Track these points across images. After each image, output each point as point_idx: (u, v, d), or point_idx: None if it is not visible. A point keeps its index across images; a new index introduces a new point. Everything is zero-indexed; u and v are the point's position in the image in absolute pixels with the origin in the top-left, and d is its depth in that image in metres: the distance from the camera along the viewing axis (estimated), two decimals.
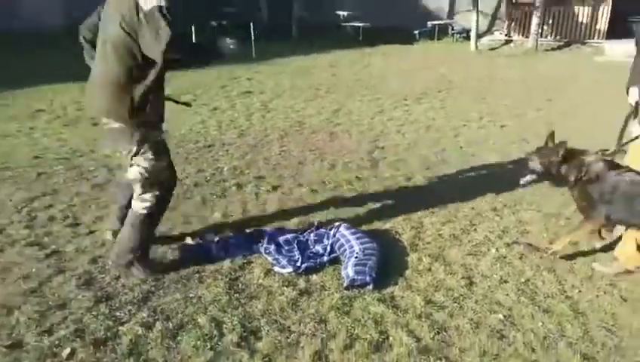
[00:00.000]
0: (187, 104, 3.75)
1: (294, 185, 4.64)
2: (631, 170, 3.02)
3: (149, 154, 2.94)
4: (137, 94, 2.78)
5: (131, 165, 2.98)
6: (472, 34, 15.48)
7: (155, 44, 2.61)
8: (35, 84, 8.67)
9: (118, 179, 3.54)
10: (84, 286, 3.00)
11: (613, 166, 3.05)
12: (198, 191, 4.45)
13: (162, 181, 3.04)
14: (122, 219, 3.21)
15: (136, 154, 2.93)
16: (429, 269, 3.28)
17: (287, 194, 4.43)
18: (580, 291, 3.05)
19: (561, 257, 3.36)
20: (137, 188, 3.01)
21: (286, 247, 3.43)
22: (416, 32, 17.80)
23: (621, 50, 13.46)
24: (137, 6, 2.64)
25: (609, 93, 7.99)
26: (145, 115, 2.85)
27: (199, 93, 8.75)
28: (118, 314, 2.77)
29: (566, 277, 3.20)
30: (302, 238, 3.55)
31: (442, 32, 18.18)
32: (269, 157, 5.39)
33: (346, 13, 18.60)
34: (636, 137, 3.16)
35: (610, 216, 3.05)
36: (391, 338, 2.63)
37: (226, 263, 3.28)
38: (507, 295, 3.01)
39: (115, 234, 3.32)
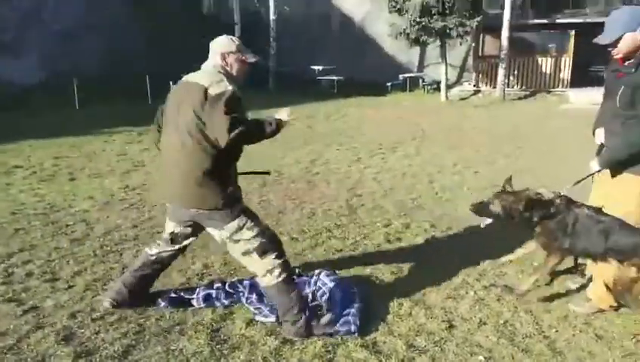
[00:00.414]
0: (266, 173, 3.75)
1: None
2: (585, 205, 3.17)
3: (249, 223, 2.99)
4: (224, 179, 2.91)
5: (236, 241, 3.00)
6: (442, 85, 16.10)
7: (218, 128, 2.71)
8: (11, 140, 8.66)
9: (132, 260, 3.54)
10: (63, 341, 2.95)
11: (570, 202, 3.18)
12: None
13: (270, 240, 3.05)
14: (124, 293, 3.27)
15: (238, 231, 2.97)
16: (410, 313, 3.31)
17: None
18: (556, 330, 3.12)
19: (538, 299, 3.44)
20: (255, 264, 3.02)
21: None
22: (388, 84, 18.44)
23: (585, 97, 14.15)
24: (206, 92, 2.78)
25: (576, 138, 8.35)
26: (233, 193, 2.97)
27: None
28: None
29: (543, 317, 3.27)
30: None
31: (413, 83, 18.87)
32: (249, 207, 5.43)
33: (320, 67, 19.21)
34: (590, 175, 3.29)
35: (571, 249, 3.16)
36: None
37: (208, 314, 3.27)
38: (487, 337, 3.06)
39: (113, 305, 3.28)
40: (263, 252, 2.98)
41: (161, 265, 3.37)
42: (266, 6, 19.05)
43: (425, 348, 2.95)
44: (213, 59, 3.04)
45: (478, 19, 14.66)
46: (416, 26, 14.64)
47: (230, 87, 2.80)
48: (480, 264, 4.07)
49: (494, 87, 16.40)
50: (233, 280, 3.65)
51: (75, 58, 15.82)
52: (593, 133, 3.35)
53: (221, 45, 3.03)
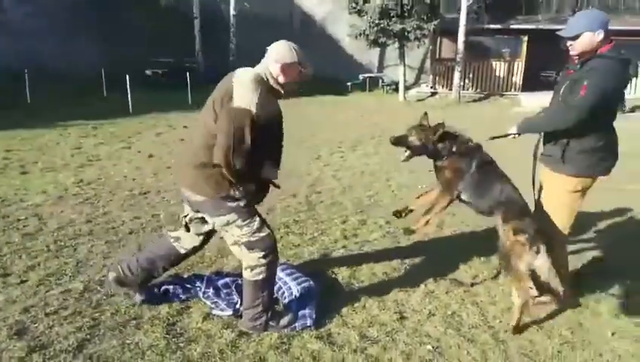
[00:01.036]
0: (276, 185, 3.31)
1: None
2: (492, 159, 3.32)
3: (238, 222, 2.95)
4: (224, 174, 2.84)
5: (226, 231, 3.01)
6: (400, 86, 16.42)
7: (221, 140, 2.74)
8: None
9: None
10: (15, 336, 2.91)
11: (481, 148, 3.33)
12: (133, 238, 4.43)
13: (261, 239, 3.00)
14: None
15: (227, 225, 2.96)
16: (364, 306, 3.43)
17: None
18: (500, 321, 3.30)
19: (475, 293, 3.61)
20: (241, 255, 3.04)
21: (225, 290, 3.48)
22: (348, 83, 18.66)
23: (536, 101, 14.69)
24: (232, 96, 2.77)
25: (524, 141, 8.68)
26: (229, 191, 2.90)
27: (134, 141, 8.71)
28: None
29: (488, 309, 3.45)
30: (240, 281, 3.60)
31: (373, 83, 19.18)
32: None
33: None
34: (506, 135, 3.48)
35: (460, 194, 3.30)
36: None
37: (164, 308, 3.28)
38: (435, 327, 3.20)
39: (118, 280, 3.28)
40: (249, 248, 2.99)
41: (178, 254, 3.35)
42: (226, 1, 18.90)
43: (377, 338, 3.07)
44: (268, 65, 2.90)
45: (436, 22, 15.03)
46: (375, 28, 14.89)
47: (253, 109, 2.72)
48: (431, 258, 4.23)
49: (450, 90, 16.86)
50: (190, 275, 3.66)
51: (27, 51, 15.28)
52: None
53: (283, 55, 2.87)
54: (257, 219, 3.04)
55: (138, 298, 3.32)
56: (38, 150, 7.77)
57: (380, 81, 19.36)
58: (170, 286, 3.47)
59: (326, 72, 19.09)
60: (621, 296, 3.63)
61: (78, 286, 3.51)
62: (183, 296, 3.42)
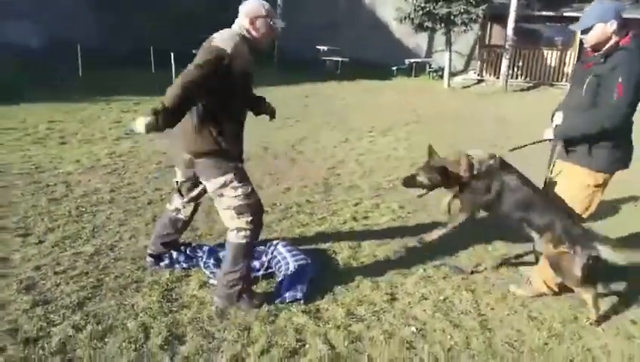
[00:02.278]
0: None
1: None
2: (516, 172, 3.26)
3: (236, 183, 3.08)
4: (218, 132, 3.02)
5: (221, 196, 3.11)
6: (445, 72, 16.06)
7: (194, 67, 2.84)
8: (8, 103, 8.84)
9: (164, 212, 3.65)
10: (24, 290, 3.14)
11: (504, 164, 3.27)
12: (151, 208, 4.63)
13: (250, 205, 3.14)
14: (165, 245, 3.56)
15: (223, 186, 3.08)
16: (358, 286, 3.47)
17: None
18: (492, 309, 3.27)
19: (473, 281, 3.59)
20: (230, 219, 3.14)
21: None
22: (394, 68, 18.42)
23: None
24: (211, 42, 2.97)
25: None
26: (222, 148, 3.05)
27: None
28: (52, 316, 2.91)
29: (483, 297, 3.42)
30: None
31: (420, 69, 18.83)
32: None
33: (326, 48, 19.19)
34: (539, 141, 3.43)
35: (491, 209, 3.29)
36: (307, 345, 2.81)
37: (165, 275, 3.45)
38: (424, 311, 3.21)
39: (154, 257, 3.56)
40: (239, 212, 3.10)
41: (180, 221, 3.56)
42: None
43: (363, 316, 3.11)
44: (240, 20, 3.11)
45: (484, 7, 14.55)
46: (421, 12, 14.58)
47: (228, 49, 2.90)
48: (435, 244, 4.18)
49: (498, 77, 16.35)
50: (194, 245, 3.81)
51: (77, 26, 15.92)
52: (552, 118, 3.40)
53: (251, 8, 3.10)
54: (250, 185, 3.19)
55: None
56: (79, 122, 8.15)
57: (427, 66, 18.99)
58: (175, 253, 3.63)
59: (372, 55, 18.96)
60: (621, 292, 3.51)
61: (89, 250, 3.74)
62: (184, 264, 3.57)
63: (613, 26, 2.97)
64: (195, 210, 3.58)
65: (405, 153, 7.45)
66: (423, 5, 14.46)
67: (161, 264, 3.54)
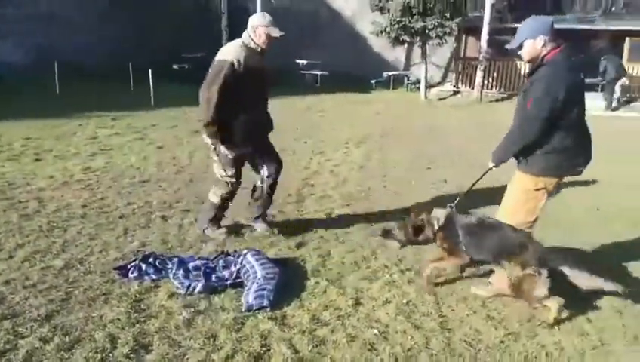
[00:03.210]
0: None
1: None
2: (470, 215, 3.57)
3: (219, 162, 4.16)
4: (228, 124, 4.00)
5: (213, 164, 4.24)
6: (422, 85, 16.33)
7: (207, 81, 3.89)
8: None
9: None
10: None
11: (458, 214, 3.54)
12: (122, 222, 4.67)
13: (223, 183, 4.24)
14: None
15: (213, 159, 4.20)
16: (324, 292, 3.56)
17: None
18: (453, 310, 3.38)
19: (436, 284, 3.71)
20: (213, 184, 4.33)
21: (194, 272, 3.67)
22: (372, 81, 18.66)
23: None
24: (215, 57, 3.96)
25: None
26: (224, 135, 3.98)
27: (149, 133, 9.03)
28: (20, 329, 2.95)
29: (445, 299, 3.53)
30: (211, 265, 3.80)
31: (398, 81, 19.11)
32: (200, 193, 5.64)
33: (305, 62, 19.39)
34: (485, 172, 3.61)
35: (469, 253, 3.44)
36: (272, 350, 2.88)
37: (134, 286, 3.50)
38: (387, 314, 3.31)
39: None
40: (217, 185, 4.28)
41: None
42: None
43: (328, 321, 3.20)
44: (247, 31, 4.00)
45: (457, 20, 14.88)
46: (397, 25, 14.85)
47: (229, 58, 3.85)
48: (403, 251, 4.30)
49: (473, 88, 16.67)
50: (164, 256, 3.86)
51: (58, 44, 15.92)
52: None
53: (253, 20, 3.99)
54: (233, 169, 4.16)
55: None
56: (55, 139, 8.16)
57: (405, 79, 19.27)
58: (144, 265, 3.69)
59: (351, 69, 19.17)
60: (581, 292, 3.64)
61: (59, 264, 3.77)
62: (154, 276, 3.63)
63: (541, 41, 3.16)
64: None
65: (377, 163, 7.59)
66: (398, 19, 14.72)
67: (130, 276, 3.60)
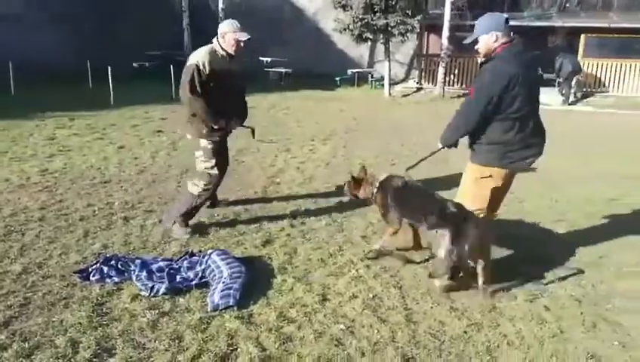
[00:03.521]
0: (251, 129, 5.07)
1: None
2: (407, 182, 3.87)
3: (202, 157, 4.42)
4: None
5: (196, 158, 4.49)
6: (386, 82, 16.49)
7: (181, 85, 4.25)
8: None
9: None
10: None
11: (396, 178, 3.90)
12: (82, 224, 4.55)
13: (206, 174, 4.45)
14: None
15: (197, 157, 4.47)
16: (291, 289, 3.56)
17: None
18: (418, 303, 3.43)
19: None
20: (195, 177, 4.50)
21: (158, 274, 3.61)
22: (337, 78, 18.73)
23: None
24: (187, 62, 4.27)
25: None
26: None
27: (108, 132, 8.83)
28: None
29: (409, 292, 3.58)
30: (175, 266, 3.75)
31: (363, 79, 19.23)
32: (164, 193, 5.58)
33: (269, 59, 19.30)
34: (433, 152, 3.88)
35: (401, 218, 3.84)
36: (239, 349, 2.87)
37: (96, 289, 3.42)
38: (354, 308, 3.33)
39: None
40: (200, 176, 4.46)
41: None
42: None
43: (295, 318, 3.20)
44: (217, 37, 4.31)
45: (419, 18, 15.08)
46: (359, 23, 14.94)
47: (194, 62, 4.18)
48: (369, 246, 4.35)
49: (436, 85, 16.93)
50: (126, 258, 3.79)
51: (12, 42, 15.38)
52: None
53: (222, 27, 4.31)
54: (214, 160, 4.41)
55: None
56: (11, 141, 7.88)
57: (370, 76, 19.42)
58: (105, 268, 3.61)
59: (316, 66, 19.20)
60: (540, 282, 3.77)
61: (17, 269, 3.65)
62: (116, 279, 3.55)
63: (493, 36, 3.30)
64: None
65: (342, 160, 7.63)
66: (361, 17, 14.81)
67: (92, 279, 3.52)
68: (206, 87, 4.21)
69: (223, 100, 4.34)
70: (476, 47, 3.42)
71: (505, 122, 3.34)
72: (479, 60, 3.58)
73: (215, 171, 4.46)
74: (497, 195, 3.58)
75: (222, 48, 4.31)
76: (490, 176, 3.44)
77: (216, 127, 4.38)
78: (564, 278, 3.85)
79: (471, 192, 3.55)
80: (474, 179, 3.52)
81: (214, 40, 4.35)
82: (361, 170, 4.13)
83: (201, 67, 4.17)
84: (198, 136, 4.41)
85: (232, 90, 4.49)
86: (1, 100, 11.63)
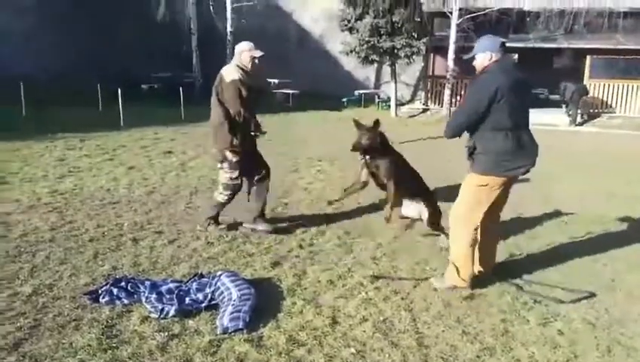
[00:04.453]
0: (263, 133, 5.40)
1: (191, 240, 4.84)
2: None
3: (226, 168, 4.86)
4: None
5: (220, 169, 4.95)
6: (392, 103, 16.59)
7: (231, 101, 4.71)
8: None
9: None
10: None
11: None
12: (92, 245, 4.56)
13: (230, 185, 4.94)
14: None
15: (221, 168, 4.92)
16: (301, 311, 3.54)
17: (182, 248, 4.63)
18: (429, 327, 3.40)
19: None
20: (219, 186, 5.01)
21: (167, 296, 3.61)
22: (344, 99, 18.87)
23: None
24: (222, 79, 4.72)
25: None
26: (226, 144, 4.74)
27: (118, 154, 8.90)
28: None
29: (420, 315, 3.55)
30: (184, 287, 3.74)
31: (369, 100, 19.37)
32: (174, 214, 5.60)
33: (276, 81, 19.49)
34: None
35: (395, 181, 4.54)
36: None
37: (106, 311, 3.42)
38: (364, 332, 3.31)
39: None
40: (225, 186, 4.97)
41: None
42: (223, 18, 19.26)
43: (305, 341, 3.17)
44: (236, 56, 4.85)
45: (425, 40, 15.23)
46: (365, 45, 15.10)
47: (235, 77, 4.69)
48: (379, 268, 4.34)
49: (442, 106, 17.01)
50: (135, 280, 3.79)
51: (25, 64, 15.65)
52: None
53: (239, 46, 4.87)
54: (237, 172, 4.87)
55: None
56: (22, 161, 7.96)
57: (376, 97, 19.55)
58: (115, 289, 3.61)
59: (323, 88, 19.36)
60: (553, 304, 3.73)
61: (27, 290, 3.65)
62: (126, 301, 3.55)
63: (488, 55, 3.72)
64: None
65: (351, 181, 7.59)
66: (367, 39, 14.98)
67: (102, 301, 3.51)
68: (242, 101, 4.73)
69: (248, 113, 4.85)
70: (473, 63, 3.83)
71: (499, 133, 3.63)
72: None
73: (238, 182, 4.94)
74: (496, 203, 3.85)
75: (243, 64, 4.79)
76: (487, 184, 3.72)
77: (236, 157, 4.79)
78: (576, 301, 3.81)
79: (467, 199, 3.84)
80: (471, 186, 3.80)
81: (235, 59, 4.83)
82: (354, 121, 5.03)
83: (239, 82, 4.66)
84: (223, 147, 4.74)
85: (252, 106, 4.94)
86: (12, 121, 11.79)
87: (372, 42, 15.01)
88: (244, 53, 4.79)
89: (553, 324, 3.48)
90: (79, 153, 8.84)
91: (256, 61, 4.83)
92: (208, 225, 5.07)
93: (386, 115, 17.00)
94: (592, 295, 3.92)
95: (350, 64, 19.56)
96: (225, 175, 4.90)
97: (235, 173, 4.88)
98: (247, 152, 4.94)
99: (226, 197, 4.99)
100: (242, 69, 4.78)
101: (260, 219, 5.15)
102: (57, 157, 8.38)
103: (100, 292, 3.59)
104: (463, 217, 3.84)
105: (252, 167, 5.07)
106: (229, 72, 4.73)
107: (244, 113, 4.78)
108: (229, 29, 19.03)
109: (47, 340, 3.06)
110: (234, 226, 5.17)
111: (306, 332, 3.28)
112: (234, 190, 4.97)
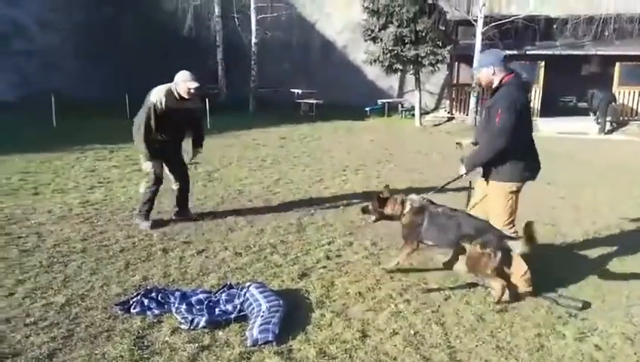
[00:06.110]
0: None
1: (220, 249, 4.87)
2: (443, 207, 4.13)
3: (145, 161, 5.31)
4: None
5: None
6: (416, 111, 16.50)
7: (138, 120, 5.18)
8: None
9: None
10: None
11: (430, 203, 4.20)
12: (123, 255, 4.62)
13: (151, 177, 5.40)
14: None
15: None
16: (330, 324, 3.51)
17: (211, 258, 4.65)
18: (461, 341, 3.33)
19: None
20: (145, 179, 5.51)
21: (197, 306, 3.62)
22: (367, 108, 18.84)
23: (552, 127, 14.61)
24: (148, 95, 5.18)
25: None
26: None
27: None
28: None
29: (452, 329, 3.49)
30: (214, 298, 3.75)
31: (393, 109, 19.30)
32: (201, 224, 5.64)
33: (300, 91, 19.60)
34: (457, 177, 4.32)
35: (422, 240, 4.13)
36: None
37: (137, 322, 3.44)
38: (395, 346, 3.26)
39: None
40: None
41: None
42: (248, 30, 19.48)
43: (335, 355, 3.14)
44: (175, 81, 5.24)
45: (449, 48, 15.13)
46: (389, 54, 15.07)
47: (156, 101, 5.10)
48: (408, 280, 4.29)
49: (467, 114, 16.85)
50: (166, 290, 3.82)
51: (55, 77, 16.07)
52: (475, 143, 4.29)
53: (179, 75, 5.25)
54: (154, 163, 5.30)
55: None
56: (53, 173, 8.14)
57: (400, 106, 19.48)
58: (146, 300, 3.64)
59: (346, 98, 19.39)
60: (589, 318, 3.62)
61: (60, 300, 3.72)
62: (156, 311, 3.58)
63: (491, 69, 3.93)
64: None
65: (376, 190, 7.57)
66: (391, 48, 14.95)
67: (133, 311, 3.55)
68: (158, 122, 5.12)
69: (172, 133, 5.35)
70: (477, 75, 4.12)
71: (519, 142, 3.85)
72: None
73: (154, 174, 5.39)
74: (517, 207, 4.06)
75: (176, 91, 5.20)
76: (516, 190, 3.96)
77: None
78: (613, 315, 3.70)
79: (501, 207, 3.98)
80: (503, 196, 3.96)
81: (172, 84, 5.24)
82: (385, 188, 4.50)
83: (158, 105, 5.08)
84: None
85: (180, 125, 5.42)
86: (43, 132, 12.09)
87: (396, 51, 14.97)
88: (181, 83, 5.17)
89: (590, 339, 3.39)
90: (109, 164, 9.00)
91: (192, 91, 5.20)
92: (138, 217, 5.57)
93: (411, 124, 16.94)
94: (629, 307, 3.80)
95: (373, 73, 19.55)
96: (145, 167, 5.45)
97: (151, 164, 5.31)
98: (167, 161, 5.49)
99: (148, 189, 5.44)
100: (175, 95, 5.18)
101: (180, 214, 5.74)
102: (87, 168, 8.54)
103: (131, 302, 3.63)
104: (502, 222, 3.97)
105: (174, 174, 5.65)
106: (156, 94, 5.13)
107: (162, 133, 5.21)
108: (253, 40, 19.24)
109: (80, 351, 3.10)
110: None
111: (336, 345, 3.25)
112: (152, 181, 5.40)
